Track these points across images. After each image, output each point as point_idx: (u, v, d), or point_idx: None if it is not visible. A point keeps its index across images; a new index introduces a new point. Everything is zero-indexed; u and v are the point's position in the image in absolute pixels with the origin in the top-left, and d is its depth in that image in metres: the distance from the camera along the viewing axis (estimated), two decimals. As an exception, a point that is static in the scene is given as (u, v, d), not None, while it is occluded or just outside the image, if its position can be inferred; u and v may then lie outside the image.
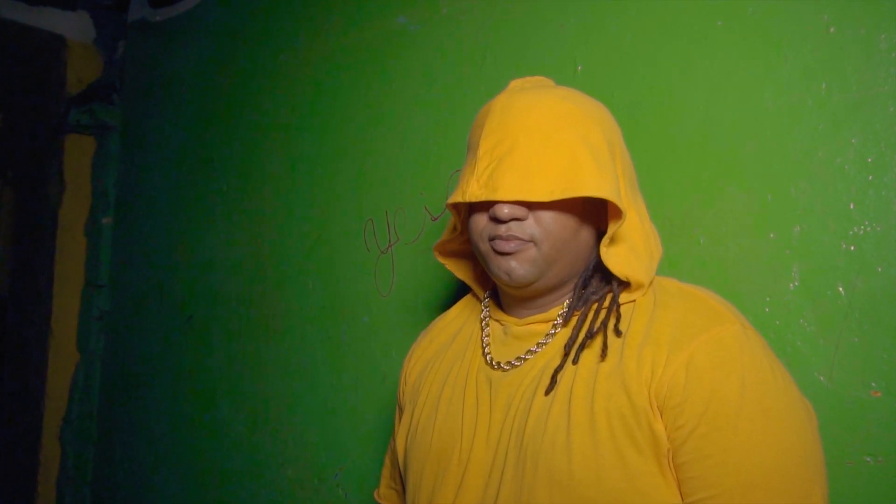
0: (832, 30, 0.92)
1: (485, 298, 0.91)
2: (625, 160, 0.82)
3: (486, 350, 0.83)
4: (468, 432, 0.78)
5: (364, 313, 1.45)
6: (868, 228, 0.88)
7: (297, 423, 1.55)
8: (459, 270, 0.96)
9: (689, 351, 0.68)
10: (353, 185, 1.50)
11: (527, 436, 0.71)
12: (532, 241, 0.74)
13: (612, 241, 0.77)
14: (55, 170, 2.12)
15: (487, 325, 0.87)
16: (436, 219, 1.34)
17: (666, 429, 0.66)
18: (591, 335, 0.74)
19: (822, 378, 0.90)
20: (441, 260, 0.95)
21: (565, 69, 1.18)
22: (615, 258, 0.76)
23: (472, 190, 0.76)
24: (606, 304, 0.76)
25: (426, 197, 1.36)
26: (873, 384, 0.87)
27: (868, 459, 0.86)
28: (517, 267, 0.75)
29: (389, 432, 1.38)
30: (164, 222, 2.00)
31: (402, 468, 0.88)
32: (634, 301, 0.77)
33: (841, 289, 0.90)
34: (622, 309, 0.77)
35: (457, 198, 0.78)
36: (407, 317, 1.38)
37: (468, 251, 0.96)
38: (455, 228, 0.90)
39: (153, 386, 1.95)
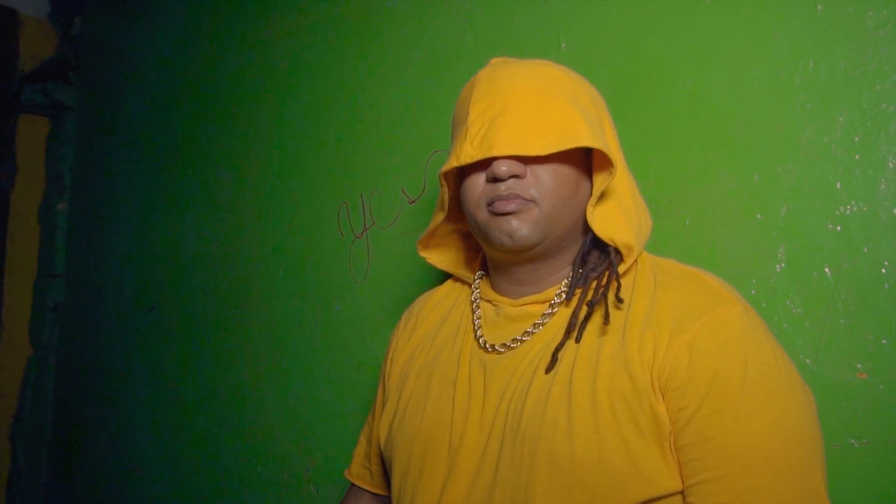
0: (820, 7, 0.91)
1: (475, 279, 0.88)
2: (614, 129, 0.81)
3: (479, 333, 0.80)
4: (460, 417, 0.75)
5: (337, 301, 1.40)
6: (854, 208, 0.87)
7: (266, 417, 1.49)
8: (443, 261, 0.93)
9: (691, 332, 0.66)
10: (327, 166, 1.44)
11: (524, 419, 0.69)
12: (533, 201, 0.72)
13: (601, 200, 0.75)
14: (7, 152, 2.01)
15: (478, 306, 0.83)
16: (413, 201, 1.30)
17: (668, 411, 0.65)
18: (591, 305, 0.72)
19: (807, 360, 0.89)
20: (424, 254, 0.92)
21: (549, 46, 1.15)
22: (601, 219, 0.74)
23: (466, 152, 0.73)
24: (605, 280, 0.75)
25: (403, 179, 1.32)
26: (859, 366, 0.86)
27: (853, 442, 0.85)
28: (519, 226, 0.72)
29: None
30: (124, 209, 1.91)
31: (385, 453, 0.84)
32: (631, 271, 0.76)
33: (827, 270, 0.89)
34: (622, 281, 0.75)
35: (451, 163, 0.75)
36: (382, 305, 1.33)
37: (451, 241, 0.93)
38: (443, 207, 0.85)
39: (112, 381, 1.86)
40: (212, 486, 1.57)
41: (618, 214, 0.75)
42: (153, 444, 1.71)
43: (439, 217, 0.85)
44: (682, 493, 0.66)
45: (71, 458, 1.96)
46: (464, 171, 0.77)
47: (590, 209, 0.74)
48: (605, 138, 0.75)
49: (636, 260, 0.78)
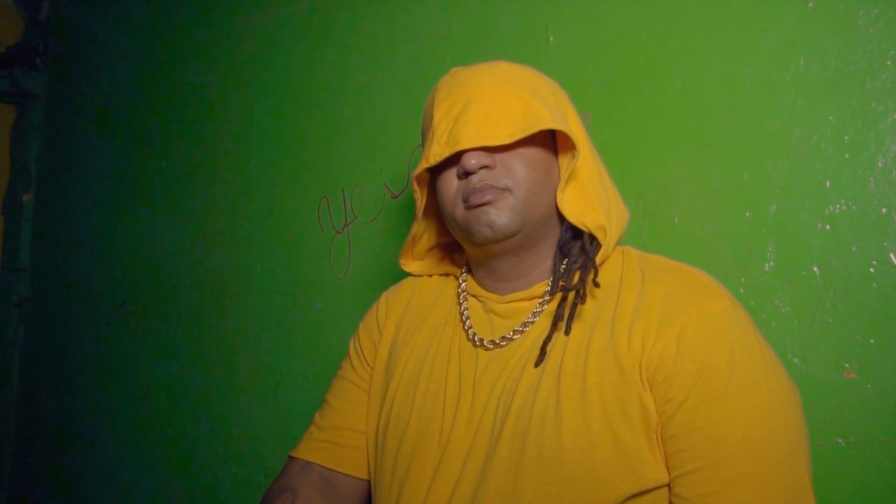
0: (811, 5, 0.90)
1: (461, 273, 0.87)
2: (577, 117, 0.82)
3: (469, 327, 0.79)
4: (449, 412, 0.75)
5: (317, 298, 1.36)
6: (844, 207, 0.87)
7: (242, 416, 1.45)
8: (425, 268, 0.93)
9: (679, 324, 0.67)
10: (307, 160, 1.41)
11: (512, 413, 0.69)
12: (507, 189, 0.73)
13: (570, 185, 0.77)
14: (-32, 141, 1.93)
15: (465, 299, 0.83)
16: (396, 196, 1.27)
17: (655, 402, 0.66)
18: (566, 290, 0.73)
19: (795, 359, 0.88)
20: (406, 268, 0.92)
21: (537, 40, 1.13)
22: (570, 203, 0.76)
23: (435, 151, 0.75)
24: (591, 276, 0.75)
25: (386, 173, 1.29)
26: (847, 365, 0.86)
27: (840, 441, 0.85)
28: (497, 215, 0.72)
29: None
30: (93, 201, 1.84)
31: (370, 448, 0.83)
32: (616, 264, 0.77)
33: (816, 269, 0.88)
34: (602, 268, 0.77)
35: (422, 166, 0.77)
36: (364, 302, 1.30)
37: (432, 254, 0.93)
38: (418, 217, 0.86)
39: (80, 379, 1.80)
40: (185, 487, 1.52)
41: (586, 197, 0.76)
42: (124, 446, 1.66)
43: (417, 228, 0.87)
44: (668, 485, 0.67)
45: (36, 460, 1.89)
46: (437, 176, 0.78)
47: (559, 194, 0.75)
48: (566, 122, 0.76)
49: (623, 254, 0.78)
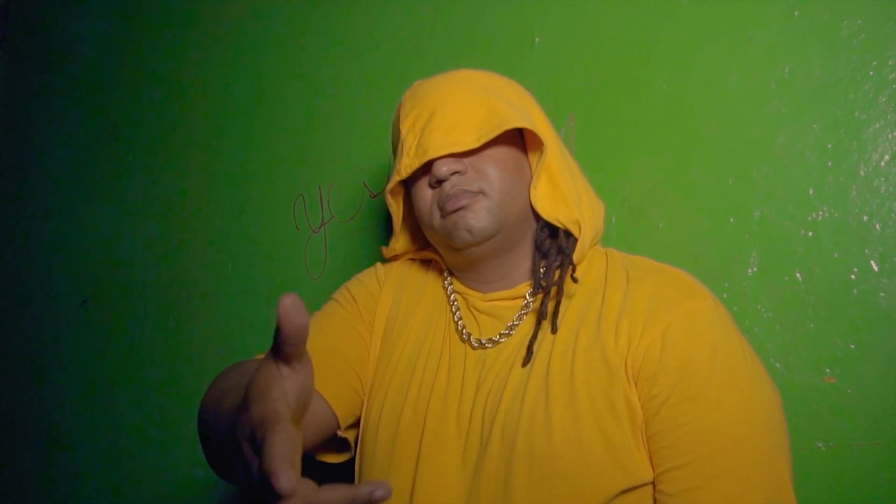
0: (796, 13, 0.91)
1: (444, 273, 0.86)
2: (544, 116, 0.82)
3: (460, 324, 0.79)
4: (441, 407, 0.74)
5: (292, 298, 1.33)
6: (826, 214, 0.88)
7: (210, 418, 1.40)
8: (409, 246, 0.93)
9: (665, 322, 0.68)
10: (283, 156, 1.37)
11: (501, 412, 0.70)
12: (481, 192, 0.74)
13: (542, 183, 0.78)
14: (-82, 128, 1.82)
15: (452, 292, 0.83)
16: (375, 196, 1.24)
17: (640, 399, 0.67)
18: (547, 288, 0.74)
19: (777, 364, 0.89)
20: (389, 254, 0.92)
21: (522, 40, 1.12)
22: (542, 200, 0.76)
23: (405, 164, 0.76)
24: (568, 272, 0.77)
25: (365, 171, 1.26)
26: (827, 370, 0.87)
27: (820, 445, 0.86)
28: (474, 219, 0.73)
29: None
30: (54, 195, 1.76)
31: (366, 438, 0.80)
32: (599, 263, 0.78)
33: (798, 275, 0.89)
34: (586, 268, 0.78)
35: (394, 179, 0.78)
36: (340, 302, 1.27)
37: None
38: (396, 232, 0.87)
39: (39, 381, 1.71)
40: (150, 491, 1.46)
41: (558, 193, 0.77)
42: (86, 449, 1.59)
43: (395, 241, 0.88)
44: (653, 482, 0.67)
45: (-13, 465, 1.80)
46: (411, 188, 0.79)
47: (532, 191, 0.76)
48: (531, 120, 0.77)
49: (607, 255, 0.79)
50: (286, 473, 0.37)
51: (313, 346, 0.78)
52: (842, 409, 0.85)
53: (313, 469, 0.84)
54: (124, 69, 1.66)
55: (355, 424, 0.82)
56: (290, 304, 0.40)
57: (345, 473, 0.84)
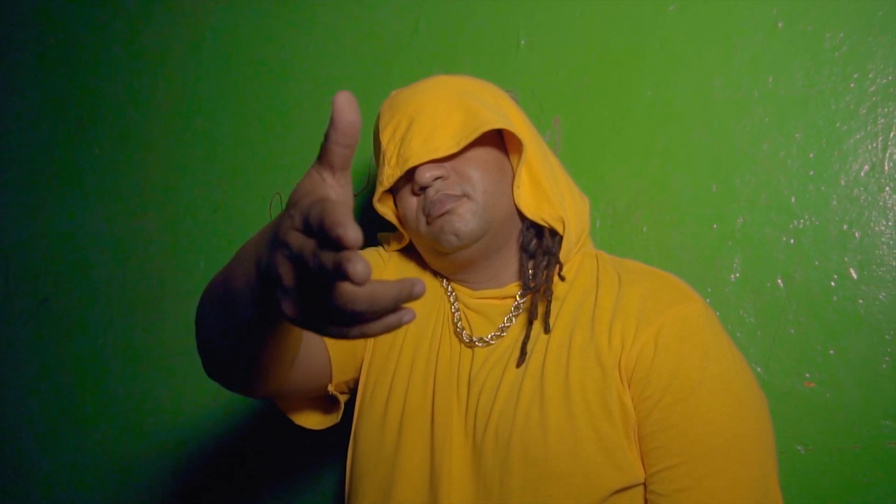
0: (780, 24, 0.93)
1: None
2: (523, 116, 0.82)
3: (457, 316, 0.79)
4: (440, 405, 0.74)
5: (267, 298, 1.29)
6: (808, 222, 0.90)
7: (180, 424, 1.35)
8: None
9: (657, 325, 0.69)
10: (260, 153, 1.33)
11: (495, 412, 0.70)
12: (465, 195, 0.75)
13: (525, 182, 0.78)
14: None
15: (452, 291, 0.82)
16: (356, 195, 1.22)
17: (633, 400, 0.68)
18: (536, 289, 0.75)
19: (759, 368, 0.91)
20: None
21: (507, 42, 1.11)
22: (526, 199, 0.77)
23: (387, 174, 0.77)
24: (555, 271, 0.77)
25: (347, 171, 1.23)
26: (807, 375, 0.88)
27: (800, 448, 0.88)
28: (460, 222, 0.73)
29: (297, 434, 1.23)
30: (11, 187, 1.67)
31: (370, 421, 0.78)
32: (590, 265, 0.78)
33: (780, 281, 0.91)
34: (577, 266, 0.78)
35: (379, 190, 0.79)
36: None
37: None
38: (403, 236, 0.86)
39: (-10, 382, 1.62)
40: (117, 501, 1.40)
41: (541, 191, 0.77)
42: (46, 457, 1.51)
43: (398, 239, 0.87)
44: (644, 483, 0.68)
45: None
46: (396, 198, 0.80)
47: (516, 191, 0.76)
48: (509, 121, 0.77)
49: (597, 258, 0.80)
50: (353, 225, 0.34)
51: None
52: (821, 413, 0.87)
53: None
54: (90, 59, 1.59)
55: (342, 391, 0.81)
56: (345, 99, 0.39)
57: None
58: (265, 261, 0.44)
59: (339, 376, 0.78)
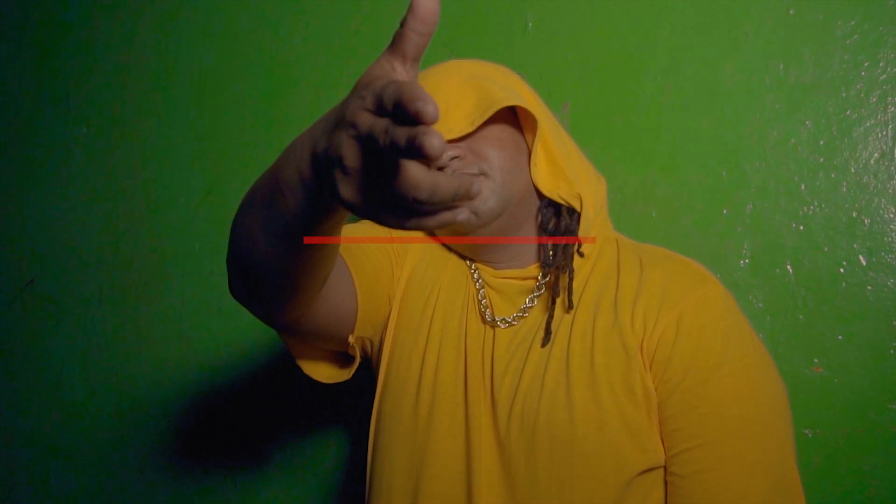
0: (792, 12, 0.94)
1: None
2: (536, 96, 0.81)
3: (482, 293, 0.78)
4: (464, 385, 0.74)
5: (264, 282, 1.26)
6: (817, 209, 0.91)
7: (172, 409, 1.32)
8: None
9: (679, 308, 0.69)
10: (255, 132, 1.30)
11: (521, 394, 0.70)
12: (482, 173, 0.74)
13: (542, 160, 0.78)
14: None
15: (476, 270, 0.81)
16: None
17: (654, 382, 0.68)
18: (555, 267, 0.75)
19: (766, 354, 0.91)
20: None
21: (514, 24, 1.10)
22: (543, 177, 0.77)
23: None
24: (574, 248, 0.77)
25: (350, 153, 1.21)
26: (816, 360, 0.89)
27: (807, 432, 0.88)
28: (478, 200, 0.73)
29: (291, 416, 1.21)
30: (-6, 166, 1.62)
31: (403, 388, 0.77)
32: (611, 249, 0.78)
33: (789, 267, 0.92)
34: (598, 249, 0.78)
35: None
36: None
37: None
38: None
39: (-31, 367, 1.57)
40: (105, 492, 1.36)
41: (557, 168, 0.77)
42: (33, 445, 1.46)
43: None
44: (664, 466, 0.69)
45: None
46: None
47: (533, 168, 0.76)
48: (522, 98, 0.77)
49: (617, 242, 0.79)
50: (432, 100, 0.33)
51: (358, 236, 0.78)
52: (829, 398, 0.88)
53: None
54: (76, 33, 1.54)
55: (361, 346, 0.79)
56: None
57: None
58: (323, 144, 0.42)
59: (360, 329, 0.76)
